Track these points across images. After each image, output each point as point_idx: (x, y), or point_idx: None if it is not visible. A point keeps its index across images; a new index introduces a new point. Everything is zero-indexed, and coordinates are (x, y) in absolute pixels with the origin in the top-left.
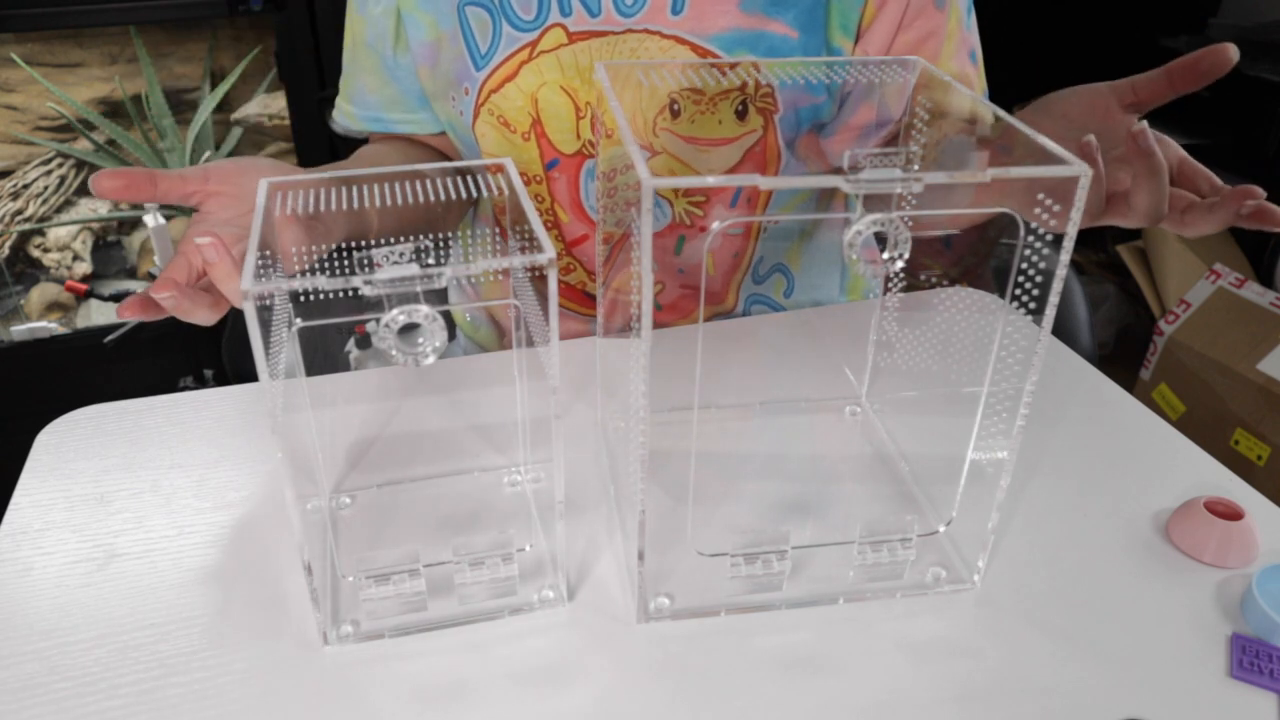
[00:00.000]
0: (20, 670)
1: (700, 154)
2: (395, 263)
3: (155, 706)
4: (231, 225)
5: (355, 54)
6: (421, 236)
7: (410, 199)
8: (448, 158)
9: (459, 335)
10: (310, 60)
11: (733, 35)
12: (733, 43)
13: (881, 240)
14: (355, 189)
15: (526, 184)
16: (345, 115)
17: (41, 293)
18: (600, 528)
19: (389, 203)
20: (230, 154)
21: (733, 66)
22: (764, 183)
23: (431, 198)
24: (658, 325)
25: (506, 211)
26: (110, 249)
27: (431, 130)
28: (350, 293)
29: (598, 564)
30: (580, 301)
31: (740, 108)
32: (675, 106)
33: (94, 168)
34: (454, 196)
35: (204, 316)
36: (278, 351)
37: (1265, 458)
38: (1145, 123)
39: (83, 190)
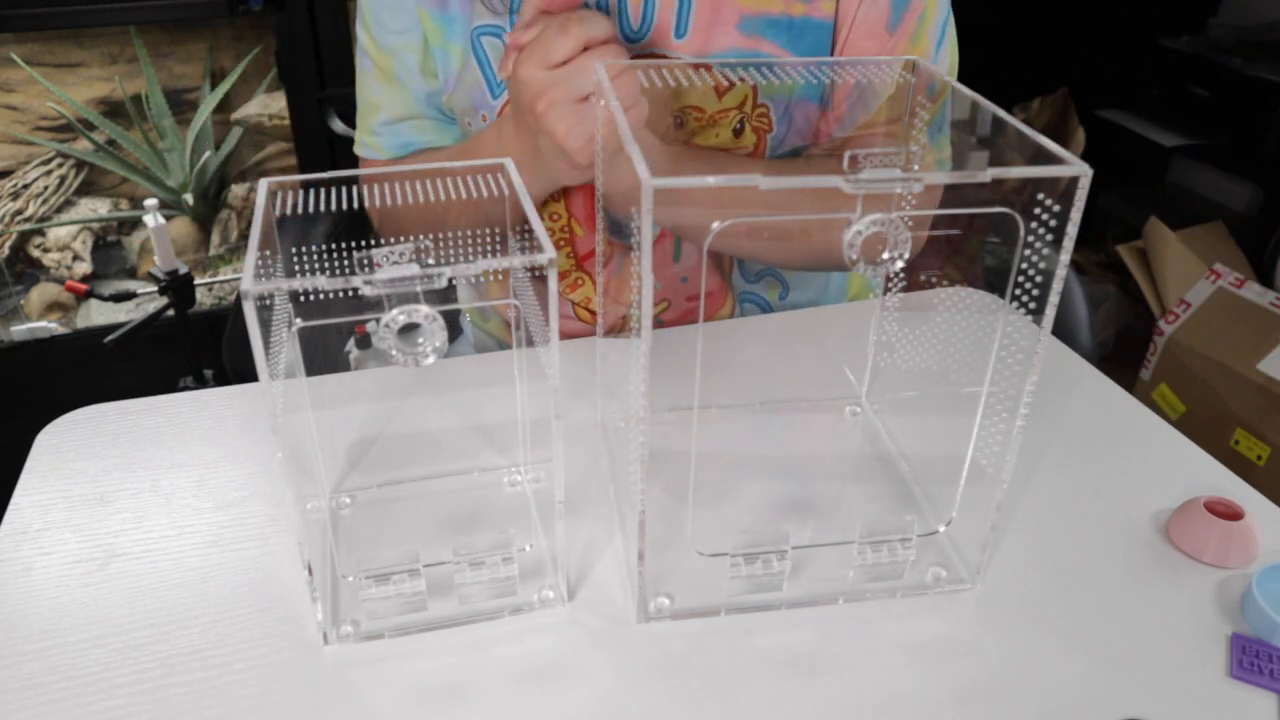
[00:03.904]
0: (20, 670)
1: None
2: (395, 263)
3: (155, 706)
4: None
5: (381, 87)
6: (422, 236)
7: (411, 199)
8: None
9: (468, 327)
10: (310, 60)
11: (731, 54)
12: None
13: (882, 240)
14: (354, 188)
15: (545, 201)
16: (372, 149)
17: (41, 293)
18: (600, 528)
19: (388, 203)
20: (230, 154)
21: (739, 70)
22: (764, 183)
23: (433, 197)
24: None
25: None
26: (110, 249)
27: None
28: (350, 293)
29: (598, 564)
30: (586, 319)
31: (738, 126)
32: (678, 120)
33: (94, 168)
34: (455, 196)
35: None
36: (278, 351)
37: (1265, 458)
38: None
39: (83, 190)
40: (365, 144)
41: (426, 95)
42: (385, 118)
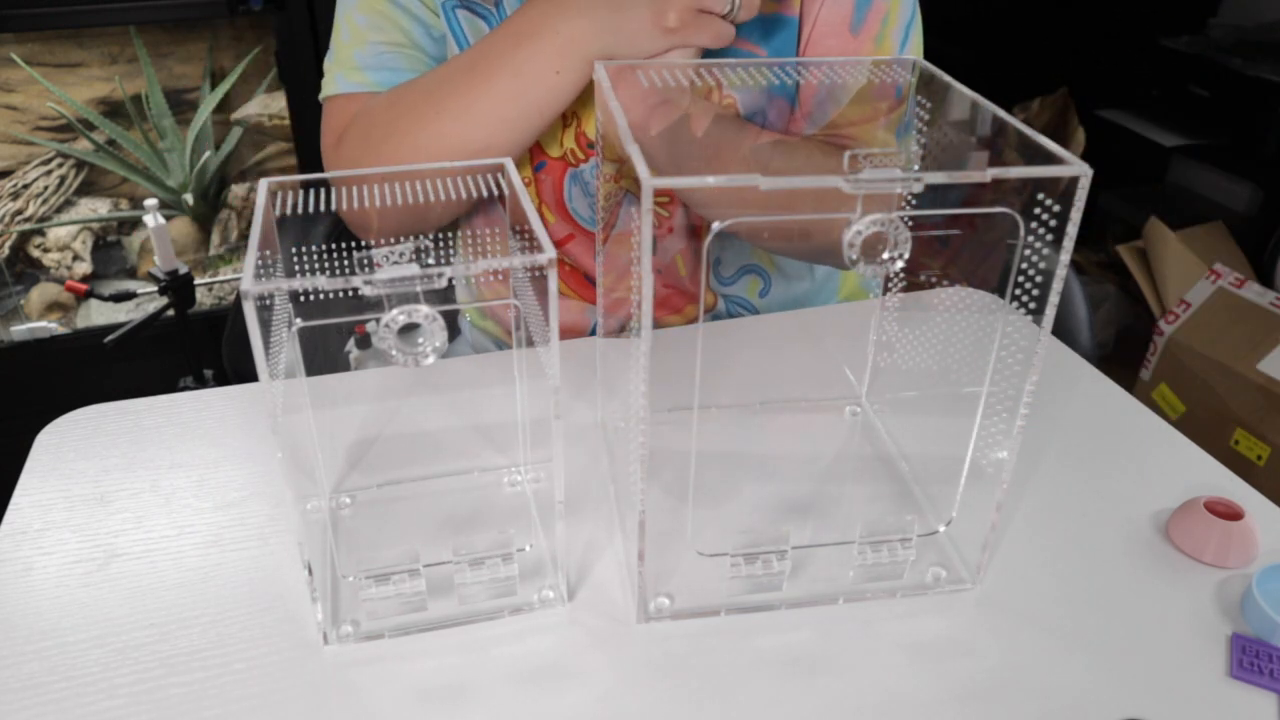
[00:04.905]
0: (20, 670)
1: None
2: (395, 263)
3: (155, 706)
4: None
5: (369, 18)
6: (422, 236)
7: (411, 199)
8: None
9: (466, 326)
10: (310, 60)
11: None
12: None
13: (882, 240)
14: (353, 189)
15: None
16: (356, 83)
17: (41, 293)
18: (600, 528)
19: (388, 202)
20: (230, 154)
21: (738, 66)
22: (765, 183)
23: (432, 197)
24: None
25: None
26: (110, 249)
27: None
28: (350, 293)
29: (598, 564)
30: (579, 284)
31: None
32: None
33: (94, 168)
34: (454, 196)
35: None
36: (278, 351)
37: (1265, 458)
38: None
39: (83, 190)
40: (343, 79)
41: (428, 35)
42: (375, 48)
